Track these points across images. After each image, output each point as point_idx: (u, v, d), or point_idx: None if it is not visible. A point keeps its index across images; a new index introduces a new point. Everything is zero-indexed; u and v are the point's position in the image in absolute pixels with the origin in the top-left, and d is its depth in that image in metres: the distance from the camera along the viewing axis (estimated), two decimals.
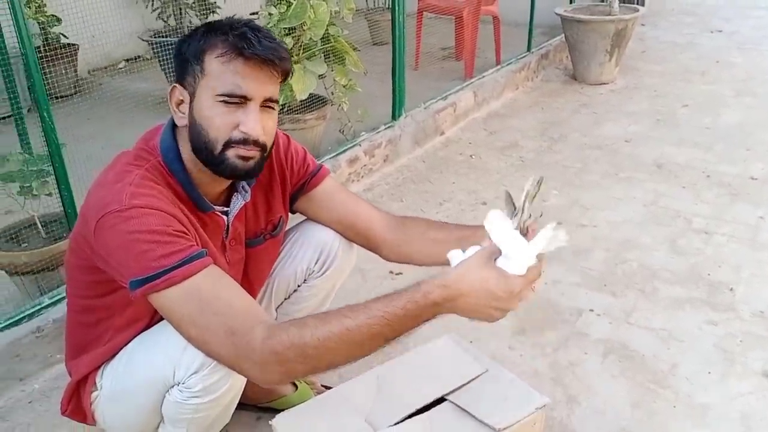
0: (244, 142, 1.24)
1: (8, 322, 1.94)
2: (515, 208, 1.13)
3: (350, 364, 1.13)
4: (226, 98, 1.22)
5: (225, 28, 1.23)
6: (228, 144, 1.24)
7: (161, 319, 1.28)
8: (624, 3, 4.95)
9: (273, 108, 1.29)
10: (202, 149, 1.25)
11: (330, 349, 1.08)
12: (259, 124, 1.24)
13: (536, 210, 1.14)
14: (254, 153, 1.26)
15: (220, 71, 1.21)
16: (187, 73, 1.25)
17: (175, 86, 1.28)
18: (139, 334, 1.34)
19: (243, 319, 1.13)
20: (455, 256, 1.18)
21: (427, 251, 1.47)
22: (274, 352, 1.09)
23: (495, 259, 1.11)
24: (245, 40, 1.20)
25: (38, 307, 2.01)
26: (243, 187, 1.41)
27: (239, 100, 1.22)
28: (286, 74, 1.29)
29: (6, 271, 2.12)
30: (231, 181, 1.38)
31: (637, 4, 5.74)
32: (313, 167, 1.54)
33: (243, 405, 1.46)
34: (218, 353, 1.15)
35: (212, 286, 1.15)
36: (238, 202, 1.41)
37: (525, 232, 1.13)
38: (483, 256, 1.11)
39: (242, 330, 1.11)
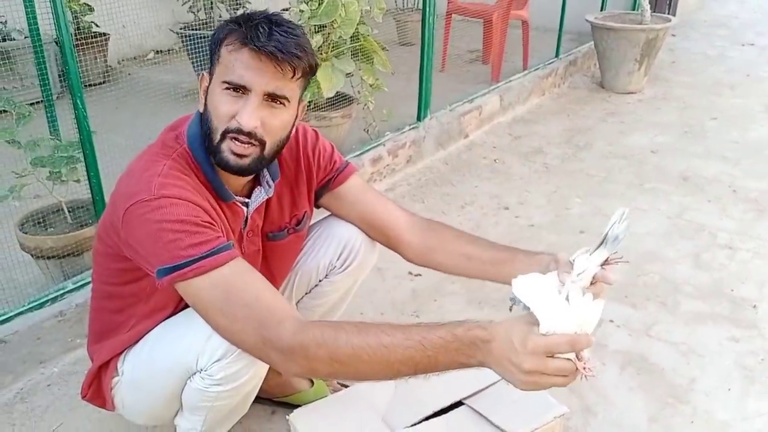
0: (238, 132, 1.22)
1: (31, 305, 1.97)
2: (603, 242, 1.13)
3: (368, 381, 1.12)
4: (228, 86, 1.22)
5: (243, 20, 1.23)
6: (225, 134, 1.24)
7: (185, 307, 1.29)
8: (655, 12, 4.90)
9: (281, 105, 1.25)
10: (206, 136, 1.27)
11: (360, 360, 1.08)
12: (254, 116, 1.21)
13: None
14: (249, 150, 1.24)
15: (227, 60, 1.22)
16: (211, 62, 1.28)
17: (203, 74, 1.30)
18: (162, 321, 1.36)
19: (271, 312, 1.13)
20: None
21: (454, 263, 1.47)
22: (303, 346, 1.09)
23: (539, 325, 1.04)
24: (254, 32, 1.20)
25: (62, 291, 2.03)
26: (267, 182, 1.41)
27: (240, 90, 1.22)
28: (300, 71, 1.24)
29: (31, 255, 2.15)
30: (254, 174, 1.38)
31: (669, 13, 5.69)
32: (340, 164, 1.54)
33: (258, 399, 1.47)
34: (245, 342, 1.16)
35: (239, 278, 1.16)
36: (260, 196, 1.41)
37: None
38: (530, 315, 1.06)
39: (270, 323, 1.12)
